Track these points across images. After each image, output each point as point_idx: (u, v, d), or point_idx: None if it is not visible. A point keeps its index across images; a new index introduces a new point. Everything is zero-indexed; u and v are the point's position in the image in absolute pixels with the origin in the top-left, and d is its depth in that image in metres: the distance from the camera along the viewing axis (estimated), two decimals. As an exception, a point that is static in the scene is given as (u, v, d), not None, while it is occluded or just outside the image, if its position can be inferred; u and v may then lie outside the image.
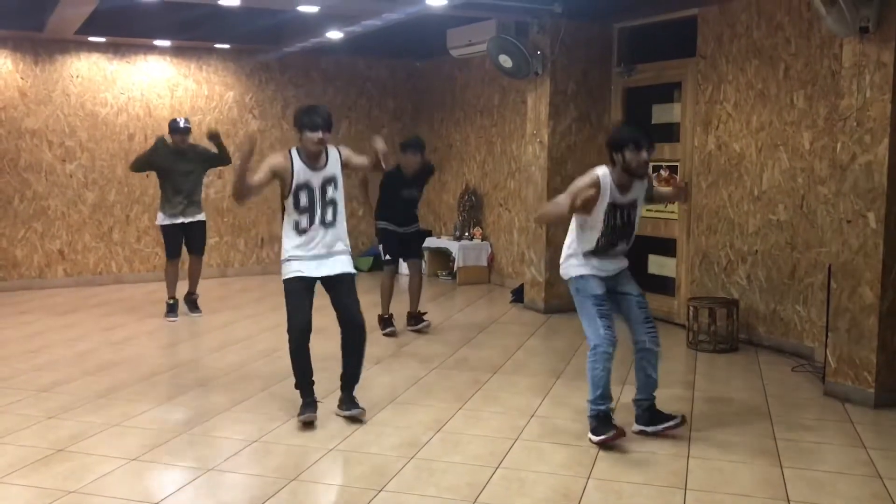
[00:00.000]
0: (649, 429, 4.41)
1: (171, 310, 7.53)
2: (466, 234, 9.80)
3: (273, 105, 10.22)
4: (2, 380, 5.47)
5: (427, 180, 7.19)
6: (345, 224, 4.72)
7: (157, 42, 9.31)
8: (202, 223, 7.67)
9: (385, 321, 6.92)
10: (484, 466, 3.99)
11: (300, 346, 4.57)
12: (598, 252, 4.38)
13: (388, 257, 6.93)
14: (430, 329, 7.04)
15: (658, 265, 7.69)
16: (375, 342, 6.58)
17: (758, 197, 6.44)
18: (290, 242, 4.60)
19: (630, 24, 7.77)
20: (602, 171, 4.29)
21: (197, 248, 7.69)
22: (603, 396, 4.30)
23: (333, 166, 4.65)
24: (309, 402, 4.63)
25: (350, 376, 4.74)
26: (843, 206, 5.07)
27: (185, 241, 7.62)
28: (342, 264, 4.66)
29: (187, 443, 4.34)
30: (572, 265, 4.45)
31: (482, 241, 9.75)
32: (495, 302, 8.56)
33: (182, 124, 7.52)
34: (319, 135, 4.52)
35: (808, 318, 6.10)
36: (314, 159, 4.59)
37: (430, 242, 10.10)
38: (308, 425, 4.53)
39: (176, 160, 7.45)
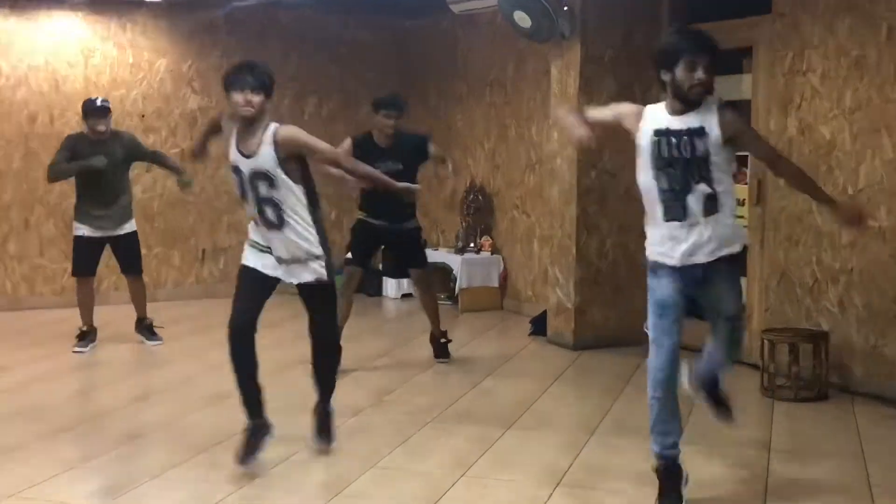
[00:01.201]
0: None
1: (83, 338, 7.63)
2: (471, 245, 9.79)
3: (218, 76, 10.05)
4: None
5: (418, 157, 7.20)
6: (307, 226, 4.80)
7: (68, -6, 9.36)
8: (133, 234, 7.81)
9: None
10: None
11: (237, 350, 4.83)
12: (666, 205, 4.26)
13: (348, 255, 7.11)
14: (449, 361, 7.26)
15: (723, 286, 7.66)
16: (351, 388, 6.56)
17: (853, 197, 6.41)
18: (250, 226, 4.95)
19: (685, -29, 7.80)
20: (651, 105, 4.32)
21: (133, 267, 7.91)
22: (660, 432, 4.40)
23: (266, 157, 4.68)
24: (254, 427, 4.86)
25: (322, 390, 5.26)
26: (965, 209, 5.06)
27: (116, 260, 7.84)
28: (309, 272, 4.87)
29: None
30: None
31: (492, 254, 9.74)
32: (509, 334, 8.54)
33: (99, 103, 7.58)
34: (248, 95, 4.60)
35: (920, 357, 6.09)
36: (245, 137, 4.71)
37: (423, 256, 10.09)
38: (248, 456, 4.77)
39: (95, 154, 7.47)
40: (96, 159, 7.41)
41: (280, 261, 4.84)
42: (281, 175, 4.66)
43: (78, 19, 9.67)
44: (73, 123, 9.51)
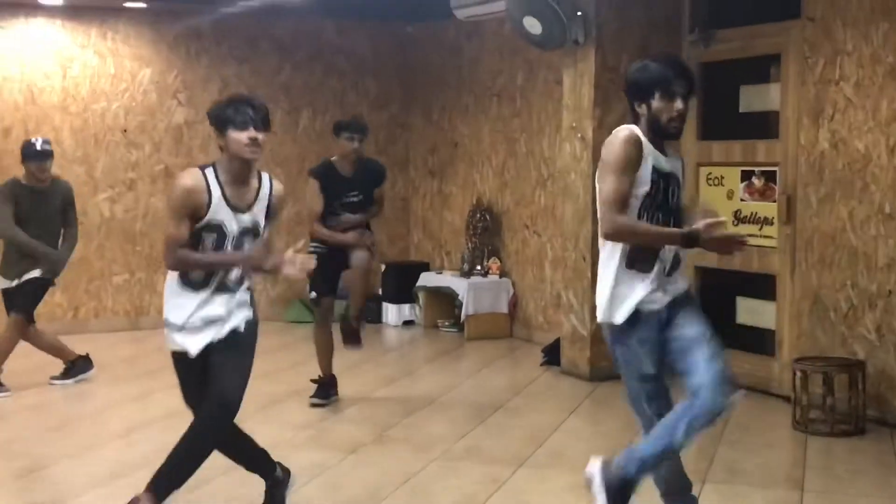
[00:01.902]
0: None
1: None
2: (478, 268, 9.78)
3: (207, 87, 10.25)
4: None
5: (376, 185, 7.22)
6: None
7: (44, 0, 9.37)
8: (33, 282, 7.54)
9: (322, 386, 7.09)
10: None
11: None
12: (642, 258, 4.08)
13: (313, 294, 7.02)
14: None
15: (750, 312, 7.65)
16: (350, 422, 6.54)
17: (891, 215, 6.41)
18: (172, 301, 4.50)
19: (707, -26, 7.82)
20: (633, 127, 4.05)
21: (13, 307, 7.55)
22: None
23: (260, 212, 4.44)
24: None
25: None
26: None
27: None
28: (238, 318, 4.51)
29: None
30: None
31: (500, 277, 9.73)
32: (520, 364, 8.53)
33: (40, 146, 7.43)
34: (252, 132, 4.26)
35: (964, 388, 6.06)
36: (239, 182, 4.36)
37: (426, 280, 10.10)
38: None
39: (37, 207, 7.38)
40: (49, 255, 7.34)
41: (210, 322, 4.40)
42: (265, 230, 4.49)
43: (55, 26, 9.70)
44: (51, 138, 9.53)
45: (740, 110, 7.74)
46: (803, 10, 6.96)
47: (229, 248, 4.35)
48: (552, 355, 8.38)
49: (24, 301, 7.47)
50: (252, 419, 6.63)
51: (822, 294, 6.90)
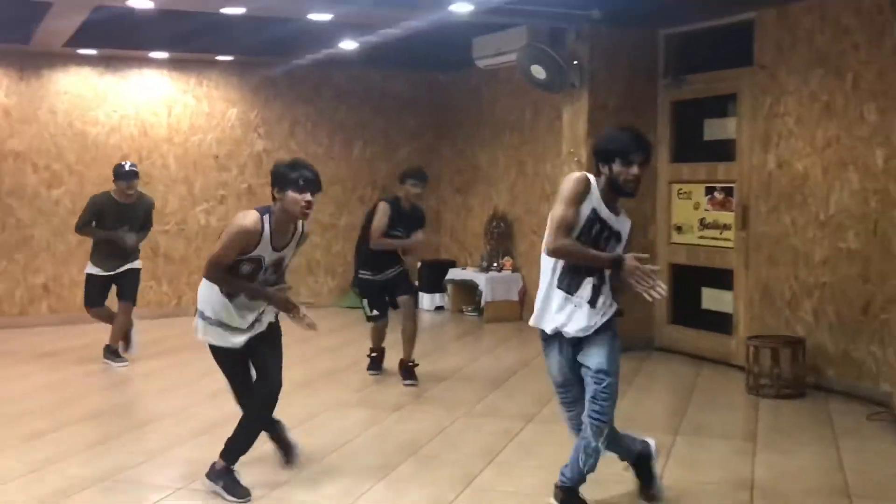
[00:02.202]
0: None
1: (114, 355, 7.44)
2: (495, 265, 9.78)
3: (281, 123, 10.31)
4: (-21, 429, 5.50)
5: (420, 227, 6.84)
6: None
7: (153, 54, 9.46)
8: (135, 270, 7.49)
9: (374, 360, 7.04)
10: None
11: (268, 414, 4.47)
12: (569, 279, 3.97)
13: (375, 312, 6.78)
14: (418, 385, 6.67)
15: (713, 300, 7.62)
16: (394, 388, 6.56)
17: (825, 222, 6.37)
18: (211, 307, 4.37)
19: (678, 31, 7.77)
20: (589, 175, 3.94)
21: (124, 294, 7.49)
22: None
23: (291, 248, 4.43)
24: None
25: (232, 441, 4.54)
26: (923, 232, 5.00)
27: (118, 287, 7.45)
28: (269, 314, 4.46)
29: (185, 499, 4.33)
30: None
31: (513, 272, 9.72)
32: (528, 342, 8.50)
33: (128, 167, 7.24)
34: (308, 196, 4.18)
35: (884, 360, 6.00)
36: (283, 231, 4.29)
37: (454, 275, 10.11)
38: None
39: (121, 217, 7.21)
40: (127, 238, 7.17)
41: (242, 329, 4.34)
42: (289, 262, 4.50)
43: (162, 76, 9.78)
44: (159, 163, 9.66)
45: (704, 139, 7.71)
46: (755, 59, 6.94)
47: (260, 276, 4.30)
48: (554, 334, 8.35)
49: (132, 290, 7.42)
50: (317, 384, 6.70)
51: (770, 285, 6.87)
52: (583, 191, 3.85)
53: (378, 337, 6.99)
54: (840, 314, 6.31)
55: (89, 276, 7.40)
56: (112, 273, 7.34)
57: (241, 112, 10.15)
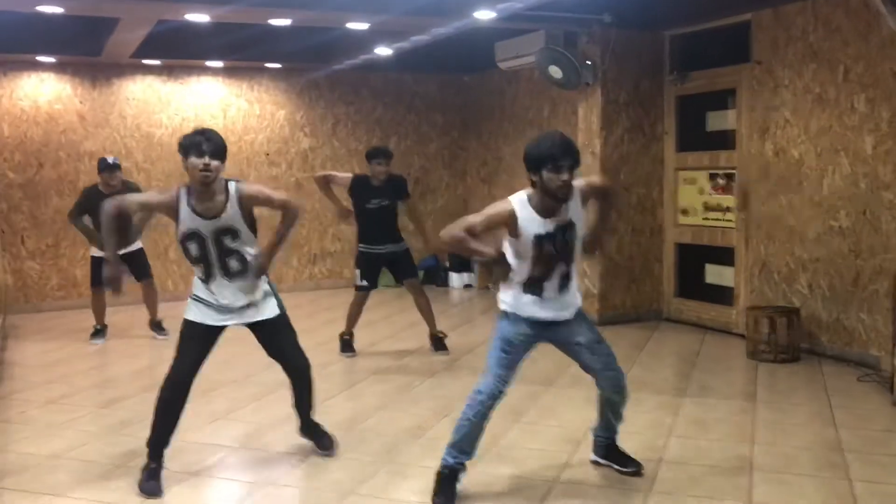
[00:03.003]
0: (602, 461, 4.12)
1: (96, 334, 7.47)
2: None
3: (324, 123, 10.35)
4: (62, 396, 5.61)
5: (400, 193, 6.72)
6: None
7: (210, 63, 9.52)
8: (140, 250, 7.42)
9: (345, 342, 6.80)
10: (542, 482, 3.96)
11: (173, 399, 3.99)
12: (534, 286, 3.75)
13: (364, 283, 6.62)
14: (449, 354, 6.66)
15: (716, 275, 7.57)
16: (426, 356, 6.59)
17: (818, 203, 6.31)
18: (196, 285, 4.05)
19: (681, 32, 7.70)
20: (518, 200, 3.66)
21: (144, 274, 7.47)
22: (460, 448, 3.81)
23: (231, 214, 3.93)
24: (153, 469, 3.97)
25: (305, 413, 4.42)
26: (909, 210, 4.94)
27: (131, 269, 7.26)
28: (269, 309, 4.12)
29: (245, 456, 4.40)
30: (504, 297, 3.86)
31: (534, 253, 9.70)
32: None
33: (111, 160, 7.14)
34: (206, 160, 3.82)
35: (873, 327, 5.95)
36: (203, 199, 3.89)
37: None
38: (150, 485, 3.93)
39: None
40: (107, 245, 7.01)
41: (231, 309, 4.01)
42: (244, 228, 4.01)
43: (218, 82, 9.84)
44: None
45: (707, 129, 7.65)
46: (752, 56, 6.87)
47: (213, 251, 3.95)
48: (572, 308, 8.34)
49: (144, 267, 7.39)
50: (360, 355, 6.75)
51: (768, 261, 6.82)
52: (500, 220, 3.64)
53: (356, 311, 6.70)
54: (832, 286, 6.26)
55: (95, 258, 7.26)
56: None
57: (289, 113, 10.19)
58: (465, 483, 3.89)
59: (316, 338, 7.46)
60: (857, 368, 5.90)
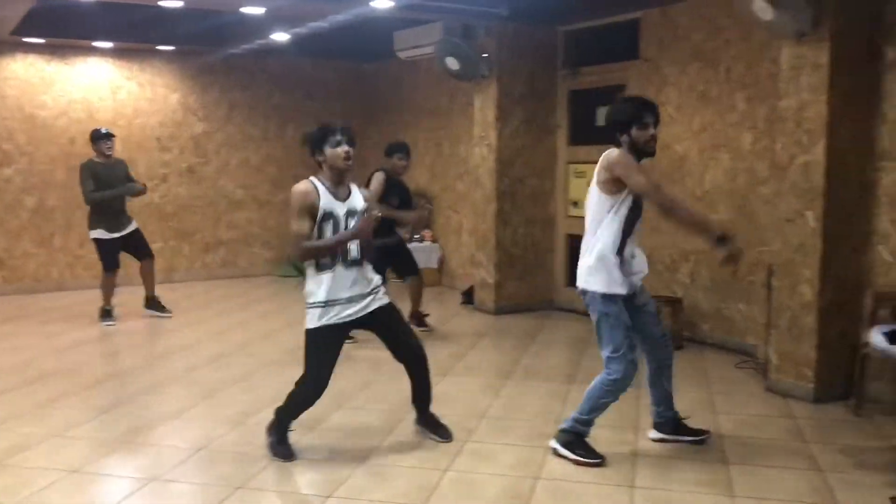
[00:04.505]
0: (669, 437, 4.30)
1: (108, 315, 7.50)
2: (417, 236, 9.76)
3: (218, 107, 10.06)
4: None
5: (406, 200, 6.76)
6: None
7: (98, 44, 9.10)
8: (137, 230, 7.66)
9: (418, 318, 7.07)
10: (433, 469, 3.96)
11: (315, 401, 4.15)
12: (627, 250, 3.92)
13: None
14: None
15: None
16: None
17: (700, 197, 6.52)
18: (325, 286, 3.99)
19: (574, 28, 7.82)
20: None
21: (144, 253, 7.68)
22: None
23: (357, 200, 4.08)
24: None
25: (424, 399, 4.42)
26: (783, 205, 5.16)
27: (129, 252, 7.63)
28: (381, 298, 4.18)
29: (131, 452, 4.23)
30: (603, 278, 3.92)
31: (433, 243, 9.73)
32: (446, 304, 8.55)
33: (104, 130, 7.47)
34: (346, 147, 3.97)
35: (750, 316, 6.21)
36: (339, 182, 4.02)
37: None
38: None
39: (110, 176, 7.35)
40: (130, 188, 7.40)
41: (360, 298, 4.05)
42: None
43: (107, 64, 9.43)
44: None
45: (597, 124, 7.80)
46: (641, 53, 7.03)
47: (341, 228, 4.02)
48: (468, 297, 8.42)
49: (145, 246, 7.61)
50: (259, 350, 6.59)
51: (653, 252, 7.00)
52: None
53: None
54: (712, 277, 6.49)
55: (99, 241, 7.38)
56: (118, 235, 7.38)
57: (182, 97, 9.86)
58: (360, 472, 3.86)
59: (210, 328, 7.28)
60: (736, 356, 6.14)
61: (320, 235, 3.95)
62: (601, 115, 7.79)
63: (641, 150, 3.86)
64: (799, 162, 5.03)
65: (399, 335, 4.25)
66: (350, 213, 4.02)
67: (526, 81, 7.84)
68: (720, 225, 3.75)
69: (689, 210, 4.12)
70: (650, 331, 4.15)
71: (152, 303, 7.75)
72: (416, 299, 7.10)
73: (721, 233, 3.79)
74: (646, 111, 3.83)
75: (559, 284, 8.15)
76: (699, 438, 4.31)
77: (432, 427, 4.41)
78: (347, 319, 4.02)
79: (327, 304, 3.97)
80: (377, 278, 4.22)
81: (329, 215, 3.95)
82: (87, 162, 7.39)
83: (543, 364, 6.03)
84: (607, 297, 3.93)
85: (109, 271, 7.43)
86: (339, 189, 4.03)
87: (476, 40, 7.71)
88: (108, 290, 7.47)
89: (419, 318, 7.15)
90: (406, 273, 6.98)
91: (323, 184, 4.00)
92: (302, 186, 3.96)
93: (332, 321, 3.97)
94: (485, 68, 7.65)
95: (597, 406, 4.07)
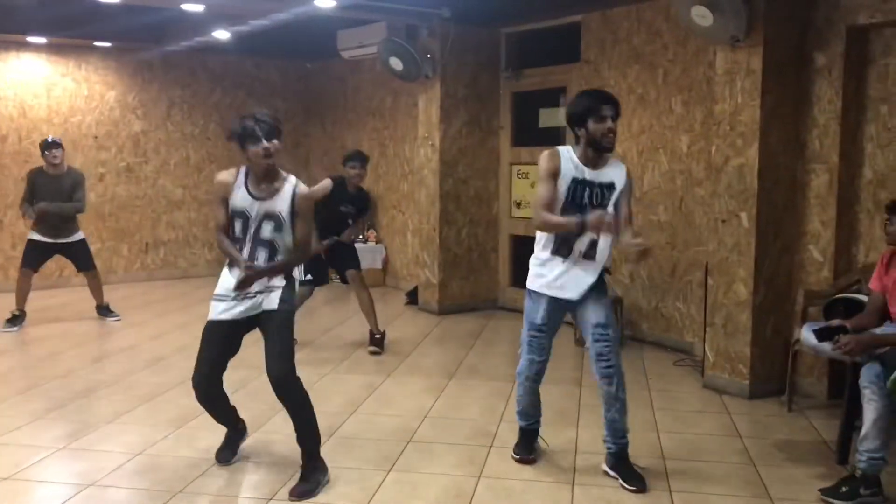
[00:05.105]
0: (611, 472, 3.88)
1: (13, 320, 7.18)
2: (361, 237, 9.72)
3: (157, 105, 9.88)
4: None
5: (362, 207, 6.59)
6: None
7: (31, 39, 8.85)
8: (82, 241, 7.44)
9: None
10: (376, 470, 3.96)
11: (206, 397, 3.91)
12: (559, 252, 3.80)
13: (308, 276, 6.39)
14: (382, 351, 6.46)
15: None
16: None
17: (639, 199, 6.63)
18: (223, 277, 3.83)
19: (517, 30, 7.89)
20: (561, 147, 3.82)
21: (87, 265, 7.50)
22: (523, 414, 4.16)
23: (281, 202, 3.74)
24: (232, 434, 4.12)
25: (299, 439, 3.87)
26: (718, 206, 5.29)
27: (71, 262, 7.55)
28: (271, 301, 3.76)
29: (67, 458, 4.14)
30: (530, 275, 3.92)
31: (377, 243, 9.71)
32: (390, 304, 8.54)
33: (51, 139, 7.28)
34: (265, 143, 3.66)
35: (688, 315, 6.34)
36: (263, 179, 3.74)
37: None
38: (228, 455, 4.09)
39: (49, 188, 7.11)
40: (58, 206, 7.08)
41: (246, 296, 3.74)
42: (288, 221, 3.75)
43: (41, 60, 9.18)
44: (37, 142, 9.09)
45: (539, 126, 7.89)
46: (582, 56, 7.13)
47: (250, 229, 3.77)
48: (412, 297, 8.43)
49: (87, 258, 7.44)
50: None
51: (595, 252, 7.10)
52: (554, 166, 3.72)
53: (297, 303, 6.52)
54: (651, 276, 6.62)
55: (30, 241, 7.27)
56: (53, 241, 7.20)
57: (119, 94, 9.66)
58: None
59: (147, 330, 7.16)
60: (674, 353, 6.27)
61: (231, 231, 3.77)
62: (543, 117, 7.88)
63: (598, 144, 3.72)
64: (733, 164, 5.16)
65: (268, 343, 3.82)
66: (268, 215, 3.72)
67: (469, 83, 7.88)
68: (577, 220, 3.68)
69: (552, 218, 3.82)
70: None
71: (102, 310, 7.60)
72: (370, 313, 6.48)
73: (581, 220, 3.68)
74: (603, 103, 3.69)
75: (503, 284, 8.21)
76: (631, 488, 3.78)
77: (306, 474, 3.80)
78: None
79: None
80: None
81: (239, 213, 3.73)
82: (32, 169, 7.32)
83: (486, 363, 6.08)
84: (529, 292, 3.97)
85: (25, 268, 7.22)
86: (263, 186, 3.75)
87: (419, 41, 7.73)
88: (20, 291, 7.21)
89: (374, 337, 6.47)
90: (345, 268, 6.56)
91: (246, 178, 3.79)
92: (221, 176, 3.82)
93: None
94: (428, 69, 7.67)
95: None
